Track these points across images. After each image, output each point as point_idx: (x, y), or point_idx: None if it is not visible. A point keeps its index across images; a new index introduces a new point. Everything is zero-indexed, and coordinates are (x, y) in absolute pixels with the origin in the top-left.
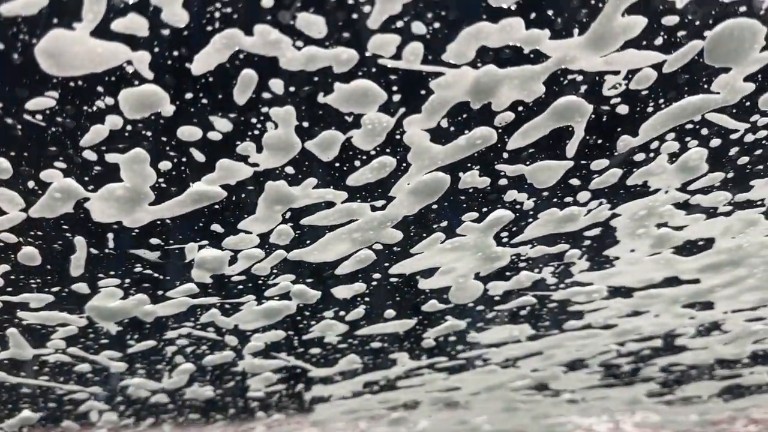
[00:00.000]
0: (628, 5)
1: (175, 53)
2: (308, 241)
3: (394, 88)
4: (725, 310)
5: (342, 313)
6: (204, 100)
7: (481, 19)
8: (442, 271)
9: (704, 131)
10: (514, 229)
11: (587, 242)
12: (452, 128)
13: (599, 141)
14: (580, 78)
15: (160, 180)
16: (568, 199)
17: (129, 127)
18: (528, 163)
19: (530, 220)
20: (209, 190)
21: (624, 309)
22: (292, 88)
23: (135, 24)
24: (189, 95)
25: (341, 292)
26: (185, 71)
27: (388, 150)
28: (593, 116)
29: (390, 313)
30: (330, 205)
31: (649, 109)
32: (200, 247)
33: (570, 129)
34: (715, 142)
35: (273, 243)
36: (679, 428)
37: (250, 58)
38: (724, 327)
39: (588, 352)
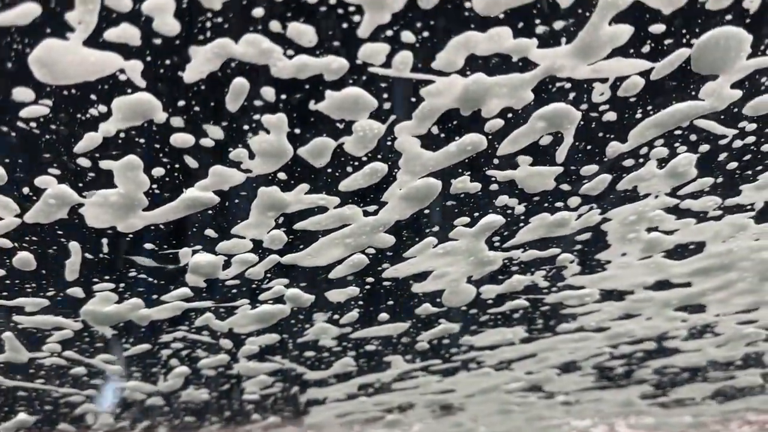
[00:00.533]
0: (614, 14)
1: (167, 62)
2: (301, 246)
3: (385, 96)
4: (717, 313)
5: (336, 316)
6: (196, 108)
7: (469, 29)
8: (434, 275)
9: (693, 137)
10: (505, 233)
11: (578, 246)
12: (443, 135)
13: (588, 147)
14: (568, 86)
15: (154, 186)
16: (559, 204)
17: (122, 135)
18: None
19: (521, 224)
20: (202, 196)
21: (616, 312)
22: (283, 96)
23: (127, 33)
24: (182, 103)
25: (335, 295)
26: (177, 79)
27: (379, 156)
28: (582, 122)
29: (383, 316)
30: (323, 210)
31: (638, 116)
32: (194, 252)
33: (560, 135)
34: (704, 148)
35: (266, 248)
36: (673, 430)
37: (242, 67)
38: (717, 330)
39: (581, 354)
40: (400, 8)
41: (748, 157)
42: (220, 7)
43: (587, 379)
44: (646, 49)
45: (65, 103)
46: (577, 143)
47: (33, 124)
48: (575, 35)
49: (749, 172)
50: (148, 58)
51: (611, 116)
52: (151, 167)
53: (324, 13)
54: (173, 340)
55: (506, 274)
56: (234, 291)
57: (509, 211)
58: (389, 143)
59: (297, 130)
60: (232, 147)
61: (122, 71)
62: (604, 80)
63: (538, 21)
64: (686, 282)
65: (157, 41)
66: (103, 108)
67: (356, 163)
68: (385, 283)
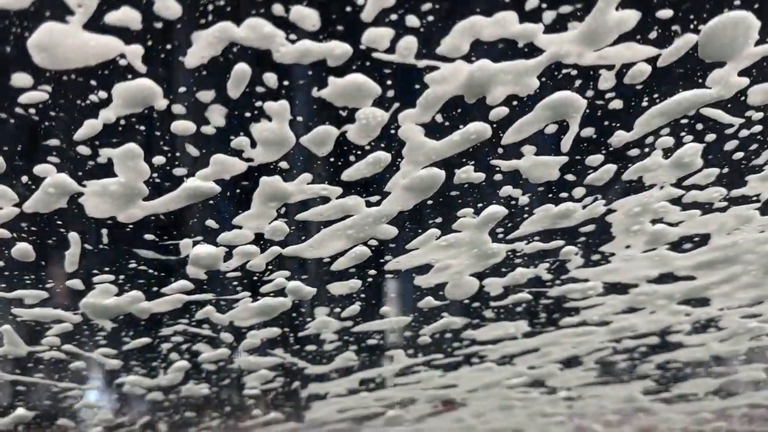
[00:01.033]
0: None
1: (168, 46)
2: (303, 237)
3: (389, 83)
4: (721, 307)
5: (337, 309)
6: (198, 94)
7: (475, 13)
8: (437, 268)
9: (699, 126)
10: (509, 225)
11: (582, 238)
12: (447, 123)
13: (594, 136)
14: (574, 72)
15: (154, 175)
16: (563, 194)
17: (123, 122)
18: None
19: (525, 216)
20: (203, 185)
21: (619, 306)
22: (286, 82)
23: (128, 17)
24: (182, 89)
25: (336, 288)
26: (179, 65)
27: (382, 145)
28: (588, 111)
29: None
30: (325, 200)
31: (644, 104)
32: (195, 243)
33: (565, 124)
34: (710, 137)
35: (268, 239)
36: (675, 425)
37: (244, 52)
38: (720, 324)
39: (584, 349)
40: None
41: (754, 146)
42: None
43: (590, 374)
44: (653, 35)
45: (65, 89)
46: (581, 132)
47: (32, 111)
48: (582, 20)
49: (755, 163)
50: (149, 43)
51: (617, 104)
52: (152, 156)
53: None
54: (173, 333)
55: (509, 266)
56: (235, 283)
57: (513, 202)
58: (392, 132)
59: (299, 118)
60: (234, 135)
61: (123, 56)
62: (610, 67)
63: (544, 5)
64: (690, 275)
65: (158, 25)
66: (103, 94)
67: (359, 152)
68: (388, 276)
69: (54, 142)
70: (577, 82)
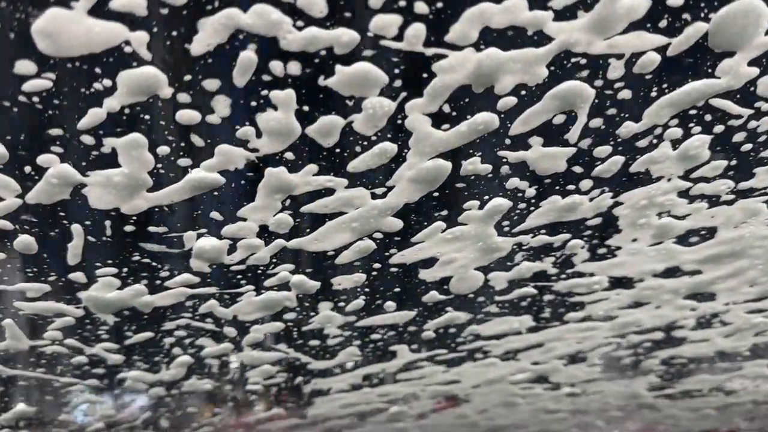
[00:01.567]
0: None
1: (174, 33)
2: (308, 230)
3: (396, 71)
4: (726, 302)
5: (341, 304)
6: (204, 82)
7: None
8: (442, 262)
9: (708, 117)
10: (515, 218)
11: (589, 232)
12: (454, 113)
13: (602, 126)
14: (583, 61)
15: (159, 166)
16: (570, 186)
17: (127, 111)
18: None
19: (531, 208)
20: (208, 176)
21: (625, 300)
22: (292, 71)
23: (133, 2)
24: (188, 77)
25: (341, 282)
26: (185, 52)
27: (389, 136)
28: (596, 101)
29: (390, 305)
30: (330, 192)
31: (653, 94)
32: (199, 236)
33: (573, 114)
34: (719, 129)
35: (273, 231)
36: (679, 421)
37: (250, 39)
38: (725, 319)
39: (588, 345)
40: None
41: (763, 138)
42: None
43: (594, 370)
44: (663, 23)
45: (69, 77)
46: (589, 123)
47: (36, 99)
48: (592, 8)
49: (763, 155)
50: (155, 29)
51: (626, 94)
52: (156, 146)
53: None
54: (176, 327)
55: (515, 260)
56: (239, 277)
57: (520, 195)
58: (399, 122)
59: (305, 107)
60: (239, 125)
61: (128, 43)
62: (620, 56)
63: None
64: (697, 269)
65: (164, 11)
66: (107, 82)
67: (365, 143)
68: (392, 270)
69: (57, 131)
70: (586, 72)
